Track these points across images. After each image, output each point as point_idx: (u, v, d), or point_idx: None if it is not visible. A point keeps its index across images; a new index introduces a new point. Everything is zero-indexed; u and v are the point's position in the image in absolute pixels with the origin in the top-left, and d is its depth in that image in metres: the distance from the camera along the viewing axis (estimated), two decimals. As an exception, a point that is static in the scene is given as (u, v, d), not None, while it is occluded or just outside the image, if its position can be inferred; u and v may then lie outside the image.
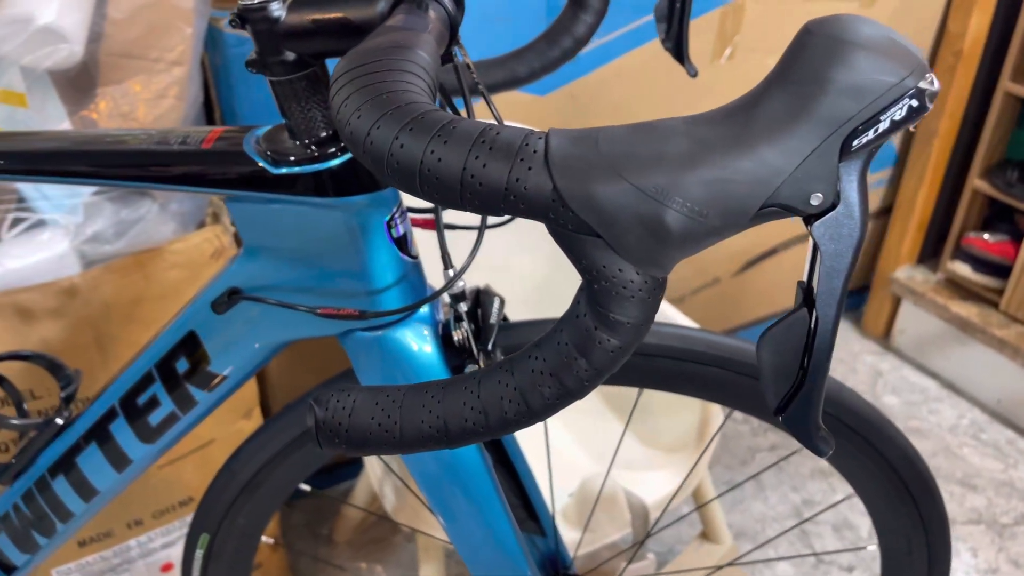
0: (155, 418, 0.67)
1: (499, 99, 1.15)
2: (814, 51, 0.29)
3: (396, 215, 0.57)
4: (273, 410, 1.27)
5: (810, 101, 0.29)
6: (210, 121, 1.03)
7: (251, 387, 1.08)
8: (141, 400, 0.66)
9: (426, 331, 0.60)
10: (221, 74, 1.02)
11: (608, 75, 1.24)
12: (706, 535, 1.28)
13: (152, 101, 0.85)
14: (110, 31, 0.82)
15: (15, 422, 0.68)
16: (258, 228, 0.57)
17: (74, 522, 0.74)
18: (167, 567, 1.09)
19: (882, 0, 1.42)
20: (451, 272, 0.56)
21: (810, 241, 0.33)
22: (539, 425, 0.90)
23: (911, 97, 0.29)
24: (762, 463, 1.57)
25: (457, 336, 0.60)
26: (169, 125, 0.88)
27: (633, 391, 1.24)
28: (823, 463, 1.56)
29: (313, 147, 0.53)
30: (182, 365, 0.64)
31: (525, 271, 1.26)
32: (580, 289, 0.34)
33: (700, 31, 1.27)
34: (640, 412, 1.25)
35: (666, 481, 1.13)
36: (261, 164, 0.53)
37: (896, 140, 1.66)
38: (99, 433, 0.68)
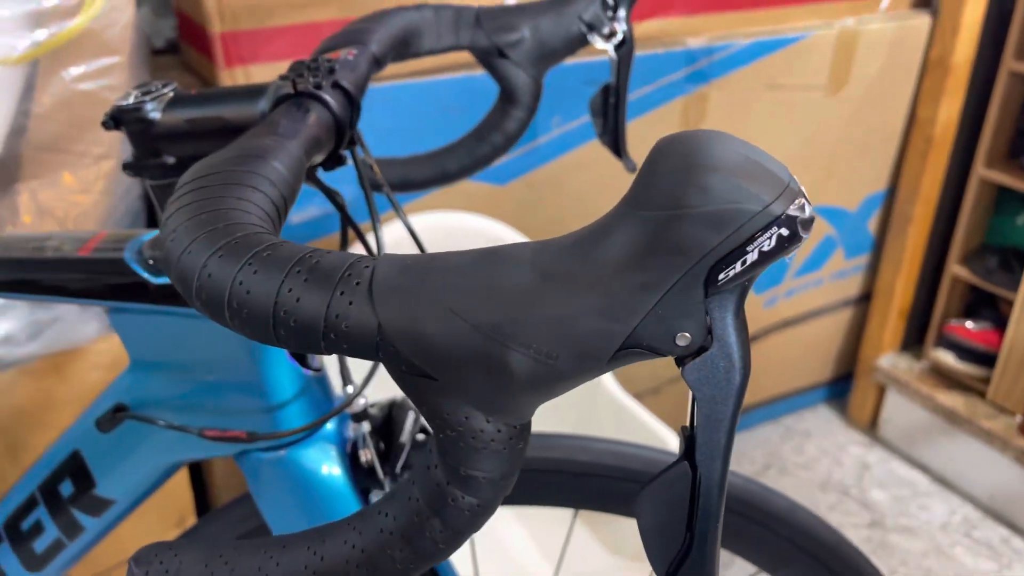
0: (40, 545, 0.61)
1: (459, 188, 1.12)
2: (666, 173, 0.25)
3: (294, 326, 0.52)
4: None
5: (664, 230, 0.24)
6: (150, 216, 1.00)
7: (183, 492, 1.01)
8: (24, 525, 0.60)
9: (332, 451, 0.55)
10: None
11: (568, 165, 1.22)
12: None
13: (77, 196, 0.82)
14: (33, 125, 0.79)
15: None
16: (143, 341, 0.53)
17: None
18: None
19: (849, 86, 1.41)
20: (350, 389, 0.51)
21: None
22: (493, 535, 0.83)
23: (779, 225, 0.24)
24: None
25: (364, 457, 0.55)
26: (94, 220, 0.84)
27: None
28: None
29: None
30: (66, 488, 0.58)
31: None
32: (429, 436, 0.29)
33: (663, 120, 1.25)
34: (605, 519, 1.18)
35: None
36: (141, 274, 0.49)
37: (872, 225, 1.63)
38: (-21, 561, 0.62)
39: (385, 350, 0.27)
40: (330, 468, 0.54)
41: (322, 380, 0.55)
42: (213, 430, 0.51)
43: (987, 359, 1.54)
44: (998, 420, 1.51)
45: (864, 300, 1.72)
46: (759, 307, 1.58)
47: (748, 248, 0.24)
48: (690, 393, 0.28)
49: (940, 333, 1.62)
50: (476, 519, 0.29)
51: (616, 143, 0.67)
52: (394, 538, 0.30)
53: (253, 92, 0.45)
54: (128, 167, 0.47)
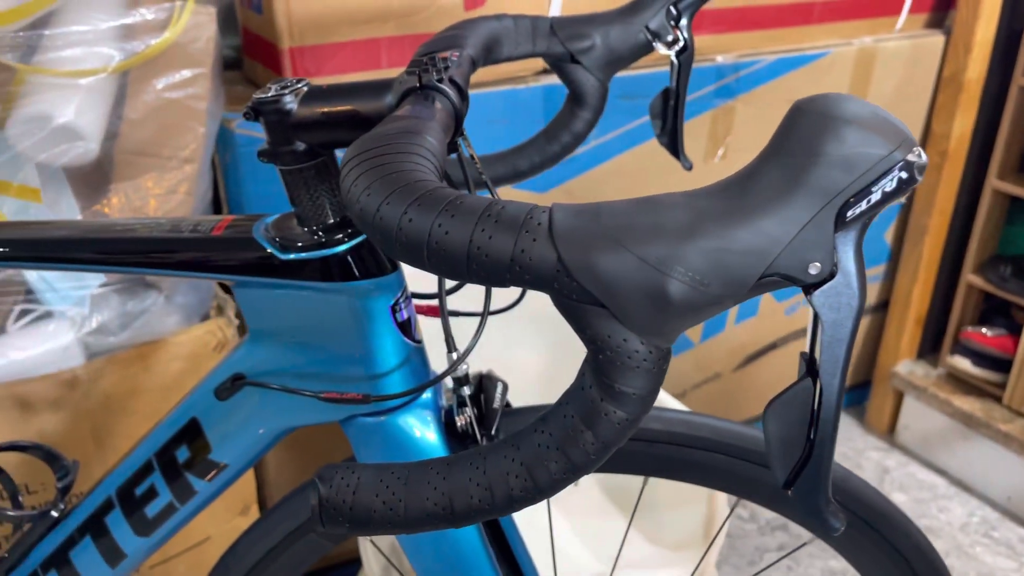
0: (152, 510, 0.66)
1: (500, 195, 1.18)
2: (805, 127, 0.31)
3: (400, 300, 0.57)
4: (269, 508, 1.24)
5: (803, 173, 0.30)
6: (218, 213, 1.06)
7: (248, 483, 1.06)
8: (139, 491, 0.65)
9: (429, 416, 0.60)
10: (230, 171, 1.05)
11: (605, 173, 1.28)
12: (715, 640, 1.23)
13: (163, 196, 0.88)
14: (125, 130, 0.85)
15: (10, 513, 0.67)
16: (264, 314, 0.58)
17: (62, 622, 0.72)
18: (154, 675, 1.04)
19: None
20: (455, 355, 0.57)
21: (810, 311, 0.33)
22: (542, 522, 0.88)
23: (900, 169, 0.30)
24: (767, 562, 1.53)
25: (460, 421, 0.60)
26: (178, 219, 0.90)
27: (636, 486, 1.22)
28: (834, 563, 1.52)
29: (320, 233, 0.54)
30: (182, 454, 0.63)
31: (524, 364, 1.26)
32: (585, 361, 0.34)
33: (692, 133, 1.32)
34: (644, 508, 1.22)
35: (671, 580, 1.10)
36: (269, 250, 0.54)
37: (888, 236, 1.69)
38: (94, 526, 0.67)
39: (560, 280, 0.32)
40: (427, 432, 0.60)
41: (421, 352, 0.60)
42: (332, 392, 0.56)
43: (1003, 364, 1.60)
44: (1015, 423, 1.55)
45: (881, 308, 1.78)
46: (780, 314, 1.63)
47: (873, 188, 0.30)
48: (811, 318, 0.33)
49: (956, 340, 1.67)
50: (624, 432, 0.35)
51: (674, 143, 0.73)
52: (550, 451, 0.35)
53: (380, 87, 0.51)
54: (263, 154, 0.53)
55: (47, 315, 0.82)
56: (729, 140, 1.38)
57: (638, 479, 1.27)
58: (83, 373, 0.85)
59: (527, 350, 1.25)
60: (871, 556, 0.67)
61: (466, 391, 0.59)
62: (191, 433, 0.63)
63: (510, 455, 0.36)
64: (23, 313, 0.81)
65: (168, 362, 0.91)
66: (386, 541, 1.08)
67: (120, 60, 0.83)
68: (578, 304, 0.32)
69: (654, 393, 0.34)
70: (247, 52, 1.14)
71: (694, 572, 1.04)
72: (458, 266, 0.33)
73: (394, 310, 0.57)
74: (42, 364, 0.82)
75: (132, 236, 0.57)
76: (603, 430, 0.34)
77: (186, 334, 0.92)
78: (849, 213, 0.31)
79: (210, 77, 0.89)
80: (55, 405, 0.85)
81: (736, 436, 0.64)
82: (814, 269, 0.31)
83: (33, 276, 0.80)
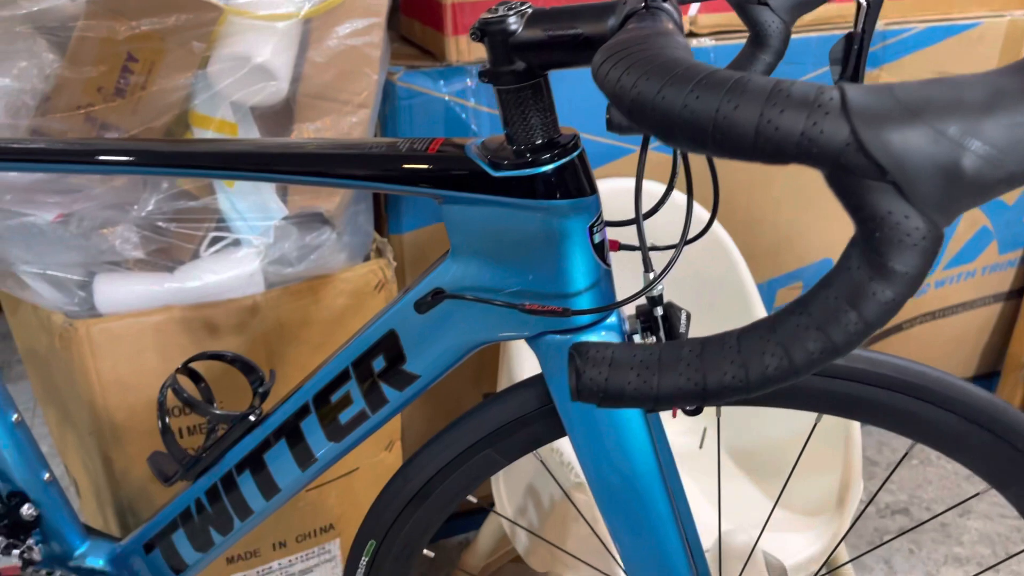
0: (345, 416, 0.70)
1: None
2: None
3: (597, 222, 0.60)
4: (405, 451, 1.29)
5: None
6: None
7: (395, 421, 1.11)
8: (334, 397, 0.70)
9: (614, 339, 0.63)
10: (389, 123, 1.10)
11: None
12: (840, 610, 1.23)
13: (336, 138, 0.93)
14: (308, 73, 0.91)
15: (217, 412, 0.73)
16: (468, 230, 0.62)
17: (251, 521, 0.77)
18: (303, 595, 1.11)
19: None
20: (650, 275, 0.59)
21: None
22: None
23: None
24: (890, 547, 1.50)
25: (646, 342, 0.62)
26: (351, 161, 0.95)
27: (763, 451, 1.22)
28: (958, 550, 1.48)
29: (529, 153, 0.57)
30: (378, 364, 0.68)
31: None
32: (852, 244, 0.35)
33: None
34: (776, 474, 1.22)
35: (804, 544, 1.10)
36: (482, 167, 0.58)
37: (1029, 219, 1.63)
38: (289, 430, 0.72)
39: (847, 155, 0.34)
40: (612, 353, 0.62)
41: (610, 276, 0.63)
42: (534, 304, 0.59)
43: None
44: None
45: (1015, 296, 1.71)
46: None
47: None
48: None
49: (1099, 329, 1.60)
50: (888, 313, 0.36)
51: (855, 88, 0.73)
52: (809, 331, 0.37)
53: (603, 9, 0.53)
54: (484, 74, 0.56)
55: (235, 243, 0.88)
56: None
57: (766, 443, 1.27)
58: (262, 300, 0.91)
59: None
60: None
61: (659, 311, 0.61)
62: (388, 345, 0.67)
63: (766, 335, 0.38)
64: (215, 240, 0.87)
65: (335, 297, 0.97)
66: (520, 485, 1.12)
67: (310, 7, 0.88)
68: (859, 180, 0.34)
69: (923, 275, 0.35)
70: (404, 10, 1.19)
71: (831, 560, 1.04)
72: (743, 143, 0.35)
73: (591, 231, 0.59)
74: (229, 289, 0.88)
75: (356, 153, 0.61)
76: (869, 310, 0.35)
77: (351, 271, 0.97)
78: None
79: (383, 27, 0.94)
80: (237, 329, 0.91)
81: (919, 376, 0.64)
82: None
83: (226, 205, 0.86)
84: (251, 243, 0.88)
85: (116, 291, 0.85)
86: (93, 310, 0.86)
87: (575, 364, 0.41)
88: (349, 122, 0.94)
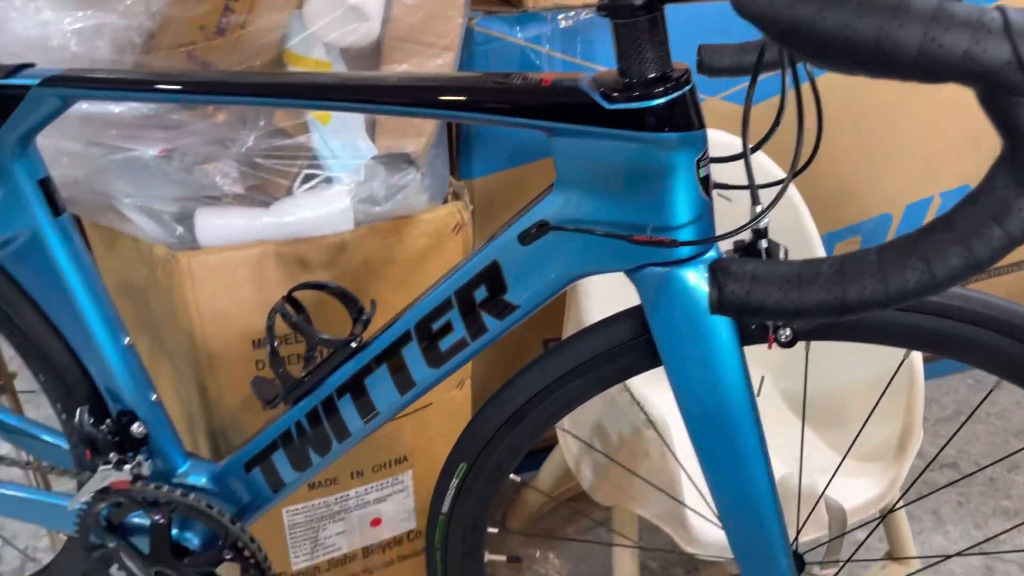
0: (445, 343, 0.74)
1: (711, 108, 1.20)
2: None
3: (703, 157, 0.62)
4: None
5: None
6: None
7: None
8: (436, 325, 0.73)
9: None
10: (465, 68, 1.12)
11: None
12: (892, 555, 1.26)
13: (424, 81, 0.95)
14: (397, 15, 0.93)
15: (325, 337, 0.76)
16: (577, 163, 0.64)
17: (348, 442, 0.82)
18: (376, 522, 1.16)
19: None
20: (758, 208, 0.61)
21: None
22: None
23: None
24: (939, 497, 1.53)
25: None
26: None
27: (819, 397, 1.24)
28: (1006, 503, 1.50)
29: (643, 87, 0.59)
30: (480, 294, 0.71)
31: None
32: (998, 163, 0.37)
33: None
34: (834, 422, 1.25)
35: (864, 489, 1.13)
36: (595, 99, 0.60)
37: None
38: (391, 356, 0.76)
39: (1006, 73, 0.35)
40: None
41: (712, 211, 0.65)
42: (642, 235, 0.62)
43: None
44: None
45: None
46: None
47: None
48: None
49: None
50: None
51: None
52: (952, 247, 0.39)
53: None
54: (602, 8, 0.58)
55: (327, 181, 0.91)
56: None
57: (822, 392, 1.29)
58: (350, 238, 0.95)
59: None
60: None
61: (763, 244, 0.63)
62: (490, 275, 0.70)
63: (907, 251, 0.40)
64: (308, 177, 0.90)
65: (416, 237, 1.00)
66: (586, 424, 1.15)
67: (398, -50, 0.89)
68: (1015, 99, 0.36)
69: None
70: (479, -43, 1.20)
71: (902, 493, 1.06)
72: (904, 61, 0.37)
73: (698, 165, 0.62)
74: (321, 225, 0.92)
75: (470, 86, 0.64)
76: (1014, 225, 0.37)
77: (431, 213, 1.00)
78: None
79: (468, -28, 0.95)
80: (326, 265, 0.95)
81: (1013, 315, 0.65)
82: None
83: (319, 143, 0.89)
84: (342, 181, 0.91)
85: (216, 225, 0.88)
86: (192, 243, 0.90)
87: (717, 279, 0.43)
88: (435, 64, 0.96)
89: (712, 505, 0.75)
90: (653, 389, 1.00)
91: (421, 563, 1.27)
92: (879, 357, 1.15)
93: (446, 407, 1.15)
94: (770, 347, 0.68)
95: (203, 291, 0.90)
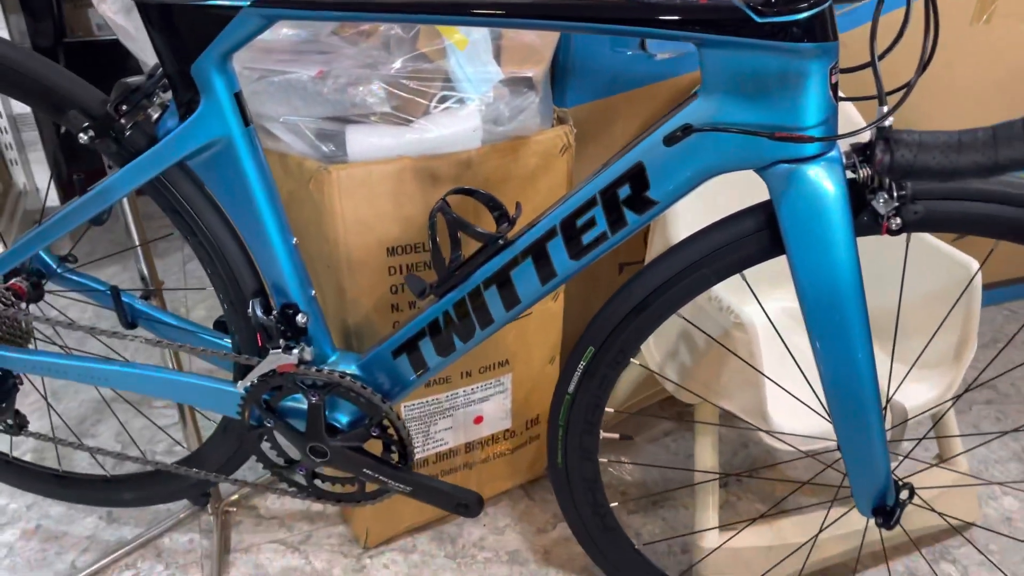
0: (587, 237, 0.84)
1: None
2: None
3: (835, 65, 0.72)
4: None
5: None
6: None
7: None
8: (580, 221, 0.84)
9: (836, 169, 0.75)
10: None
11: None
12: (942, 457, 1.38)
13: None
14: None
15: (480, 231, 0.87)
16: (724, 71, 0.74)
17: (489, 329, 0.93)
18: (478, 419, 1.28)
19: None
20: (884, 109, 0.71)
21: None
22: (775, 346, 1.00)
23: None
24: (979, 413, 1.64)
25: (863, 173, 0.74)
26: (553, 32, 1.06)
27: (887, 319, 1.35)
28: (1041, 420, 1.62)
29: (789, 2, 0.69)
30: (623, 192, 0.81)
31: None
32: None
33: (964, -6, 1.38)
34: (888, 331, 1.36)
35: (923, 392, 1.24)
36: (749, 14, 0.70)
37: None
38: (536, 250, 0.86)
39: None
40: (832, 183, 0.75)
41: (837, 113, 0.75)
42: (783, 132, 0.72)
43: None
44: None
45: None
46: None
47: None
48: None
49: None
50: None
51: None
52: None
53: None
54: (755, -66, 0.68)
55: (459, 102, 1.01)
56: (995, 6, 1.43)
57: (881, 309, 1.40)
58: (475, 155, 1.05)
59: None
60: None
61: (882, 148, 0.73)
62: (634, 174, 0.80)
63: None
64: (443, 99, 1.00)
65: (529, 157, 1.10)
66: (671, 331, 1.26)
67: None
68: None
69: None
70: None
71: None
72: None
73: (831, 72, 0.72)
74: (453, 142, 1.02)
75: (630, 2, 0.73)
76: None
77: (543, 135, 1.10)
78: None
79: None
80: (454, 180, 1.05)
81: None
82: None
83: (455, 66, 0.99)
84: (473, 101, 1.00)
85: (365, 140, 0.98)
86: (339, 158, 1.00)
87: (889, 145, 0.53)
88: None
89: (818, 392, 0.86)
90: (736, 300, 1.11)
91: (513, 461, 1.39)
92: (933, 276, 1.25)
93: (543, 316, 1.26)
94: (883, 232, 0.79)
95: (349, 201, 1.01)
